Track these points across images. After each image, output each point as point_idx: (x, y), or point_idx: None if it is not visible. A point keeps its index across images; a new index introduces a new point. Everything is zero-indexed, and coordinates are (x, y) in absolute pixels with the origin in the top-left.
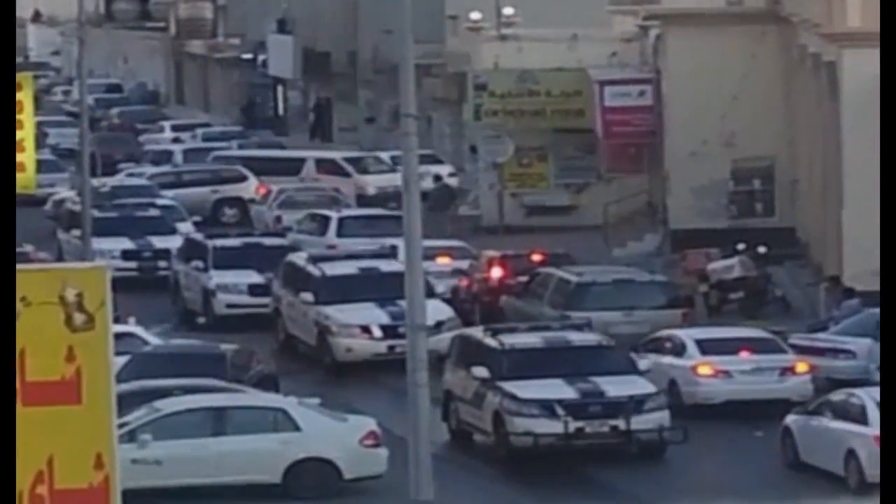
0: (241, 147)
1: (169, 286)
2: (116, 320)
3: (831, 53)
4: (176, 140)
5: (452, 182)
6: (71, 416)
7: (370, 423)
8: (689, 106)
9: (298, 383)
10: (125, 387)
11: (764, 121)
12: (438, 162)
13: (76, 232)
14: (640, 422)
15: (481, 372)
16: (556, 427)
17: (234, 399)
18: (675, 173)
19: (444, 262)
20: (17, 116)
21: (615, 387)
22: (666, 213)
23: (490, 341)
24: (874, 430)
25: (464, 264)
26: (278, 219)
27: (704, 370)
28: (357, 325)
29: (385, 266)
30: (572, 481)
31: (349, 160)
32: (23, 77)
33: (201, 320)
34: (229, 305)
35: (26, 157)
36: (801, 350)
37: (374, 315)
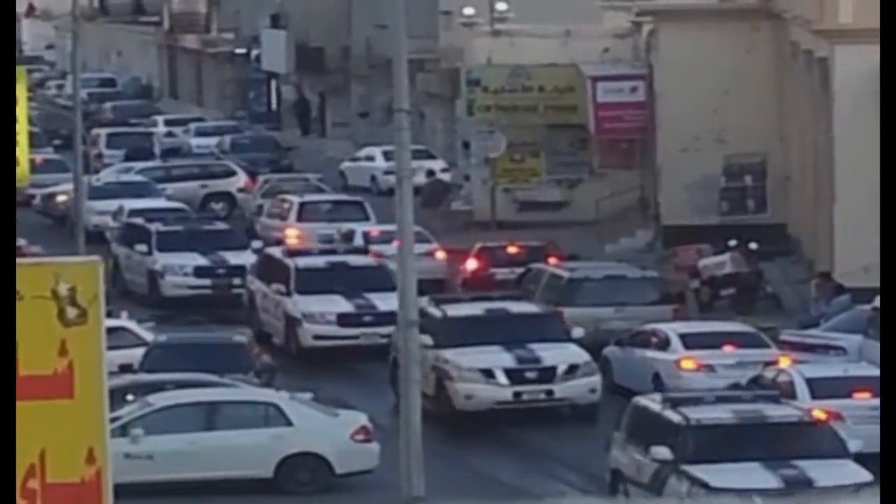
0: (233, 142)
1: (243, 305)
2: (109, 315)
3: (823, 49)
4: (169, 134)
5: (445, 177)
6: (63, 411)
7: (362, 418)
8: (681, 102)
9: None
10: (118, 381)
11: (756, 117)
12: (431, 157)
13: (141, 247)
14: None
15: (662, 453)
16: None
17: (226, 394)
18: (666, 169)
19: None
20: None
21: (823, 473)
22: (658, 209)
23: (672, 415)
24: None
25: (421, 248)
26: (260, 207)
27: (688, 364)
28: (479, 369)
29: (514, 307)
30: None
31: None
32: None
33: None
34: (316, 337)
35: (19, 151)
36: (792, 346)
37: (498, 358)
